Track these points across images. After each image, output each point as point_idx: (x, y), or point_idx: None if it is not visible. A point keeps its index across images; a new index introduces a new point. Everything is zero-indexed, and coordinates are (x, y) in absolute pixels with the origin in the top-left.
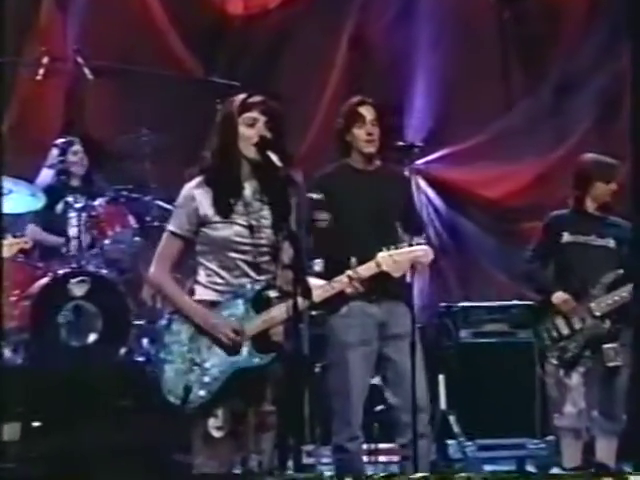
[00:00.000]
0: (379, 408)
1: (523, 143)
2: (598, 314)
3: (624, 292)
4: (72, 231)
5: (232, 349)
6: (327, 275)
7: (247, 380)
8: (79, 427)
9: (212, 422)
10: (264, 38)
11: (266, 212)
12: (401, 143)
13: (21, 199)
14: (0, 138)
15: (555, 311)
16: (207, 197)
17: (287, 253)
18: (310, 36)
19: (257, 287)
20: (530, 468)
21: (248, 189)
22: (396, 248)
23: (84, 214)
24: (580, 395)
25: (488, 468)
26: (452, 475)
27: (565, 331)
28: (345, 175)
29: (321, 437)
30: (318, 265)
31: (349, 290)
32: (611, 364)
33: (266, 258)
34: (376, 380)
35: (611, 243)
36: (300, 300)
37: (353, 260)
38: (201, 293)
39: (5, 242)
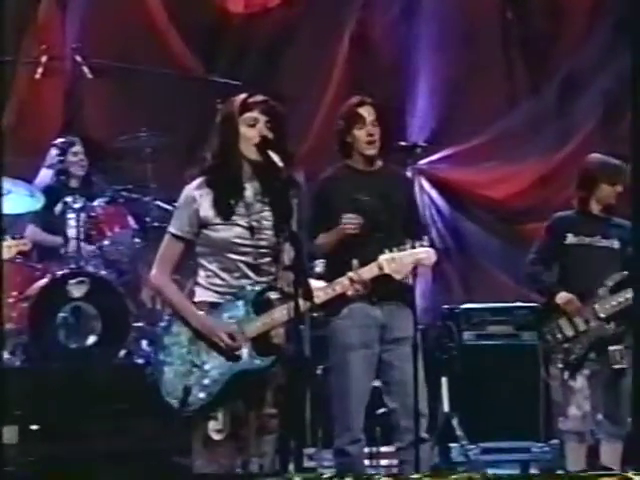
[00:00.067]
0: (381, 411)
1: (527, 143)
2: (603, 316)
3: (629, 294)
4: (71, 232)
5: (229, 354)
6: (328, 277)
7: (248, 382)
8: (78, 430)
9: (212, 425)
10: (265, 37)
11: (267, 213)
12: (404, 143)
13: (20, 199)
14: (0, 138)
15: (559, 313)
16: (208, 198)
17: (288, 254)
18: (311, 35)
19: (258, 289)
20: (534, 472)
21: (249, 190)
22: (398, 250)
23: (83, 215)
24: (585, 398)
25: (491, 472)
26: (452, 474)
27: (569, 333)
28: (346, 176)
29: (322, 440)
30: (319, 267)
31: (350, 292)
32: (617, 366)
33: (267, 259)
34: (378, 382)
35: (615, 244)
36: (301, 302)
37: (355, 262)
38: (201, 294)
39: (5, 244)
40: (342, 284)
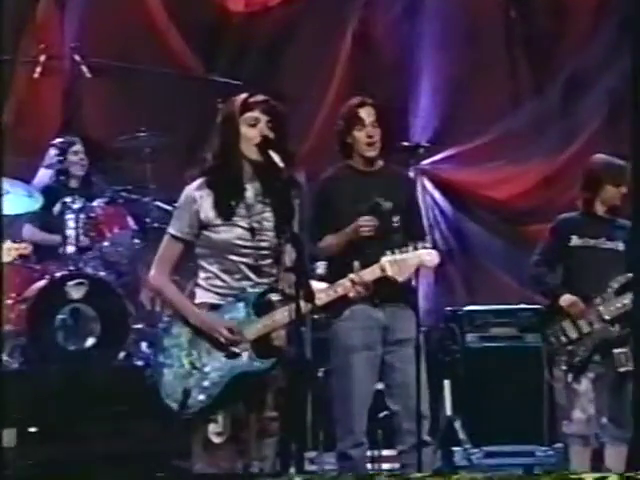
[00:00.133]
0: (383, 414)
1: (531, 143)
2: (607, 318)
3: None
4: (70, 232)
5: (230, 350)
6: (330, 278)
7: (248, 385)
8: (77, 433)
9: (212, 427)
10: (266, 36)
11: (268, 214)
12: (406, 143)
13: (18, 200)
14: (1, 138)
15: (563, 315)
16: (208, 199)
17: (289, 256)
18: (313, 33)
19: (258, 290)
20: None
21: (250, 191)
22: (400, 251)
23: (82, 215)
24: (589, 401)
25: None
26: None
27: (573, 335)
28: (347, 177)
29: (324, 443)
30: (321, 268)
31: (352, 294)
32: (622, 369)
33: (268, 261)
34: (380, 385)
35: (620, 246)
36: (302, 304)
37: (356, 264)
38: (201, 296)
39: (5, 246)
40: (344, 286)
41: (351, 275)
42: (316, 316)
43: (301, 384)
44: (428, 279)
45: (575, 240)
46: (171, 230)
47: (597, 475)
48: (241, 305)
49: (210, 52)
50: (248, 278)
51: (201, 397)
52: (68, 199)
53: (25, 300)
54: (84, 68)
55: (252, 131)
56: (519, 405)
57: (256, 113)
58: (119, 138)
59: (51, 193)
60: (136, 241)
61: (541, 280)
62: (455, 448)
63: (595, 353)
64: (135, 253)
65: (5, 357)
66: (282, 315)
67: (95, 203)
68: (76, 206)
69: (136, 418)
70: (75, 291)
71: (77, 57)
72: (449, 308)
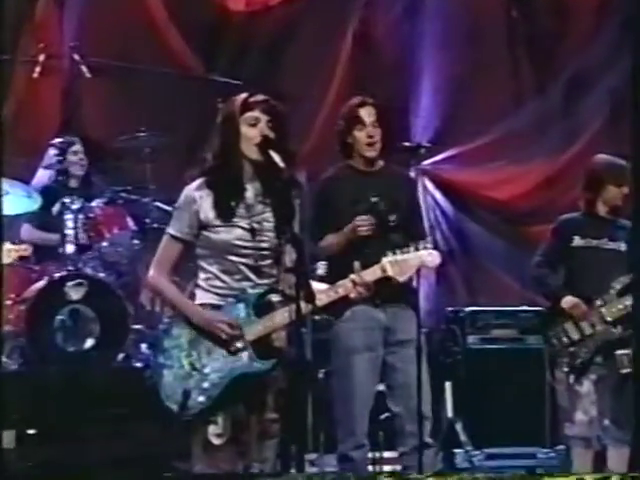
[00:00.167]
0: (384, 416)
1: (532, 143)
2: (609, 319)
3: None
4: (69, 233)
5: (231, 346)
6: (330, 279)
7: (248, 386)
8: (76, 434)
9: (212, 429)
10: (266, 35)
11: (268, 214)
12: (407, 143)
13: (17, 200)
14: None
15: (565, 316)
16: (208, 200)
17: (290, 256)
18: (313, 33)
19: (259, 291)
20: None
21: (250, 191)
22: (401, 252)
23: (81, 215)
24: (591, 403)
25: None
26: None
27: (575, 336)
28: (348, 177)
29: (324, 445)
30: (321, 269)
31: (353, 295)
32: (624, 371)
33: (268, 261)
34: (382, 387)
35: (622, 247)
36: (303, 304)
37: (357, 264)
38: (202, 297)
39: (5, 247)
40: (345, 286)
41: (352, 276)
42: (317, 317)
43: (302, 385)
44: (429, 280)
45: (577, 241)
46: (171, 230)
47: (599, 476)
48: (241, 306)
49: (210, 52)
50: (248, 279)
51: (201, 398)
52: (67, 199)
53: (24, 301)
54: (83, 68)
55: (252, 131)
56: (521, 407)
57: (256, 113)
58: (119, 138)
59: (50, 193)
60: (136, 241)
61: (543, 281)
62: (456, 450)
63: (597, 355)
64: (135, 254)
65: (4, 358)
66: (282, 316)
67: (94, 203)
68: (75, 206)
69: (136, 419)
70: (74, 292)
71: (76, 57)
72: (450, 309)
